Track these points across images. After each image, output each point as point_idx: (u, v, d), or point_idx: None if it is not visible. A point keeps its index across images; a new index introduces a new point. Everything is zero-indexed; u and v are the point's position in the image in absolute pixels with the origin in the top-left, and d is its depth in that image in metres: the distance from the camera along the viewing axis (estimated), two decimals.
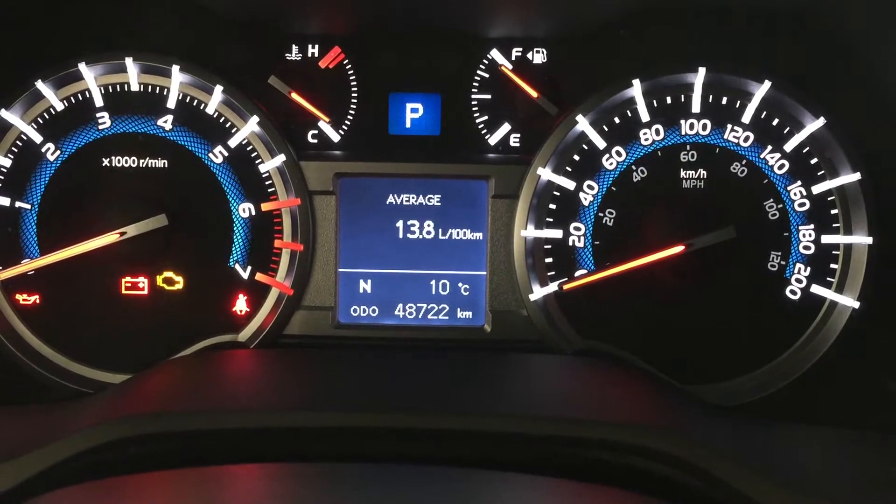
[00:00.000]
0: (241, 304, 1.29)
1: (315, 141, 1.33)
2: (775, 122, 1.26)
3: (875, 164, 1.24)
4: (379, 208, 1.30)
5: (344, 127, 1.33)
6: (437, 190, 1.29)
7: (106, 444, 0.84)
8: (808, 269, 1.26)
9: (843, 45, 1.25)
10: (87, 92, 1.27)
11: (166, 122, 1.27)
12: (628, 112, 1.26)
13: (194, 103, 1.28)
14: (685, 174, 1.26)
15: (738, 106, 1.26)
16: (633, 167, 1.27)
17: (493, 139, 1.33)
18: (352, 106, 1.33)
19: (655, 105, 1.26)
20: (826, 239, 1.25)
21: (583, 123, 1.26)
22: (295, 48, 1.32)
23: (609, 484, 0.81)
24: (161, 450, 0.86)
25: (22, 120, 1.26)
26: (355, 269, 1.30)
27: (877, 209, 1.24)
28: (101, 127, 1.27)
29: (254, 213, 1.28)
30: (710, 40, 1.28)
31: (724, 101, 1.26)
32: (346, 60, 1.32)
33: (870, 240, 1.23)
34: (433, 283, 1.30)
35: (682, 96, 1.26)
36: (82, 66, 1.25)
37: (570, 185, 1.27)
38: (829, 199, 1.26)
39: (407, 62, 1.32)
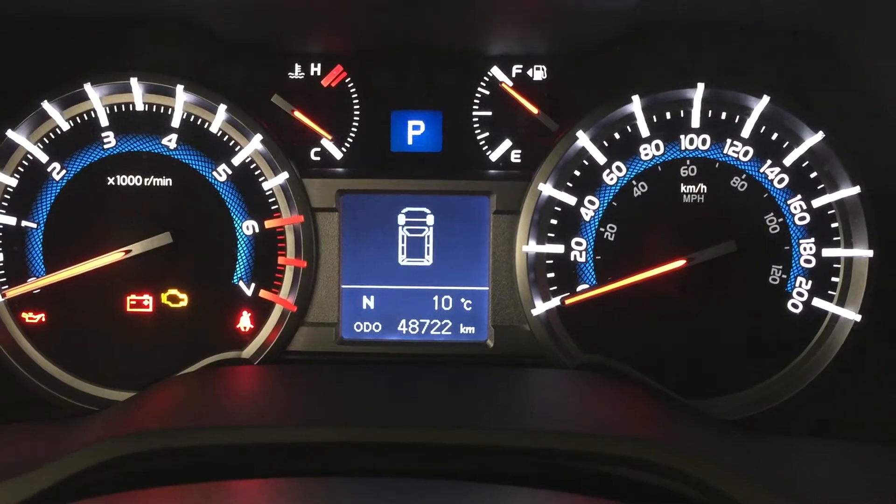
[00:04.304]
0: (245, 321, 1.30)
1: (318, 158, 1.34)
2: (774, 136, 1.26)
3: (874, 177, 1.24)
4: (381, 225, 1.30)
5: (346, 144, 1.34)
6: (439, 206, 1.30)
7: (111, 460, 0.84)
8: (810, 282, 1.26)
9: (840, 60, 1.25)
10: (92, 112, 1.28)
11: (171, 140, 1.28)
12: (628, 127, 1.27)
13: (198, 122, 1.29)
14: (685, 189, 1.27)
15: (737, 121, 1.26)
16: (634, 182, 1.27)
17: (495, 155, 1.34)
18: (354, 124, 1.34)
19: (655, 120, 1.27)
20: (827, 252, 1.26)
21: (583, 139, 1.27)
22: (297, 67, 1.33)
23: (611, 498, 0.81)
24: (166, 466, 0.87)
25: (28, 140, 1.27)
26: (358, 286, 1.30)
27: (877, 222, 1.24)
28: (106, 146, 1.28)
29: (257, 230, 1.29)
30: (709, 56, 1.28)
31: (724, 116, 1.27)
32: (349, 79, 1.33)
33: (870, 253, 1.24)
34: (436, 298, 1.31)
35: (682, 111, 1.27)
36: (88, 87, 1.26)
37: (571, 200, 1.27)
38: (830, 212, 1.26)
39: (408, 80, 1.33)
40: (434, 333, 1.31)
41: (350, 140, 1.34)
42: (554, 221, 1.28)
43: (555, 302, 1.27)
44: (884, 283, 1.24)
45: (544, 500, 0.82)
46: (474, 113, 1.33)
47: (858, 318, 1.23)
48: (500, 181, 1.30)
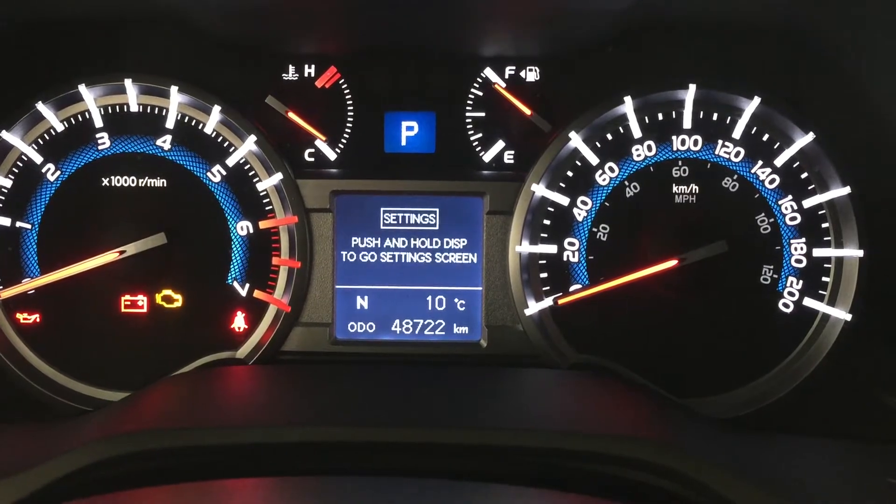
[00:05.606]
0: (239, 321, 1.30)
1: (312, 159, 1.34)
2: (765, 137, 1.27)
3: (864, 177, 1.25)
4: (375, 225, 1.31)
5: (340, 145, 1.35)
6: (433, 207, 1.31)
7: (106, 460, 0.84)
8: (801, 282, 1.27)
9: (831, 61, 1.26)
10: (86, 113, 1.28)
11: (165, 141, 1.29)
12: (620, 128, 1.28)
13: (192, 123, 1.29)
14: (677, 189, 1.28)
15: (728, 122, 1.27)
16: (626, 183, 1.28)
17: (488, 156, 1.34)
18: (348, 125, 1.34)
19: (647, 121, 1.28)
20: (817, 252, 1.27)
21: (576, 140, 1.27)
22: (291, 68, 1.34)
23: (606, 497, 0.81)
24: (160, 466, 0.87)
25: (22, 141, 1.27)
26: (352, 286, 1.31)
27: (867, 222, 1.25)
28: (100, 147, 1.28)
29: (252, 230, 1.29)
30: (701, 57, 1.29)
31: (715, 117, 1.27)
32: (342, 80, 1.34)
33: (861, 253, 1.24)
34: (429, 298, 1.31)
35: (674, 112, 1.27)
36: (82, 88, 1.26)
37: (563, 200, 1.28)
38: (820, 212, 1.27)
39: (402, 81, 1.34)
40: (428, 333, 1.31)
41: (344, 141, 1.34)
42: (547, 222, 1.29)
43: (548, 302, 1.27)
44: (874, 283, 1.25)
45: (538, 499, 0.82)
46: (467, 114, 1.34)
47: (849, 317, 1.24)
48: (493, 182, 1.30)
